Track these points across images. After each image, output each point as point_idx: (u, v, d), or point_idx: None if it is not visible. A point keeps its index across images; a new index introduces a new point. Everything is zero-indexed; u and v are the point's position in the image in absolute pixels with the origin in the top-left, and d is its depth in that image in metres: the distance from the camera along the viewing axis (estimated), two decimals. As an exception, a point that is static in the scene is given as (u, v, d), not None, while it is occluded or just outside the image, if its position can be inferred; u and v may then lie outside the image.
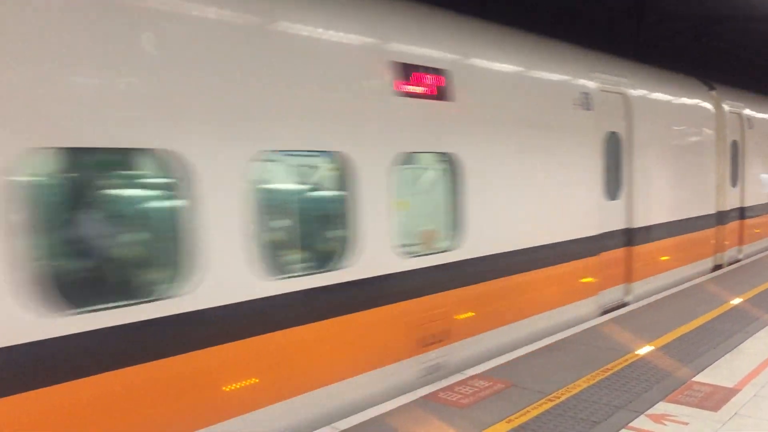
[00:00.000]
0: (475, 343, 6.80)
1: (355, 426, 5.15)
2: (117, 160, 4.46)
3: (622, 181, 9.47)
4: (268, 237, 5.04)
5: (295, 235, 5.70)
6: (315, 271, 5.35)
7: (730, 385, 6.04)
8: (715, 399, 5.71)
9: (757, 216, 14.68)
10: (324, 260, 5.50)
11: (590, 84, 8.69)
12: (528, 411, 5.49)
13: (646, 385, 6.05)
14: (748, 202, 14.13)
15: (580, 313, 8.50)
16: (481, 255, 6.81)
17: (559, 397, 5.79)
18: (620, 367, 6.59)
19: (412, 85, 6.07)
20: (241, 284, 4.75)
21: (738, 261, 13.70)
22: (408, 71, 6.03)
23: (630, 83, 9.70)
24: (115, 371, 4.08)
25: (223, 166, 4.66)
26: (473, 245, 6.68)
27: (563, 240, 8.15)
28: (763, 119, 15.19)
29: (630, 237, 9.63)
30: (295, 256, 5.52)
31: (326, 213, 5.82)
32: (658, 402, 5.65)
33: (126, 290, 4.33)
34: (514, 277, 7.29)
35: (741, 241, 14.00)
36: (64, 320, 3.87)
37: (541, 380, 6.20)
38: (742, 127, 13.76)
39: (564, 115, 8.23)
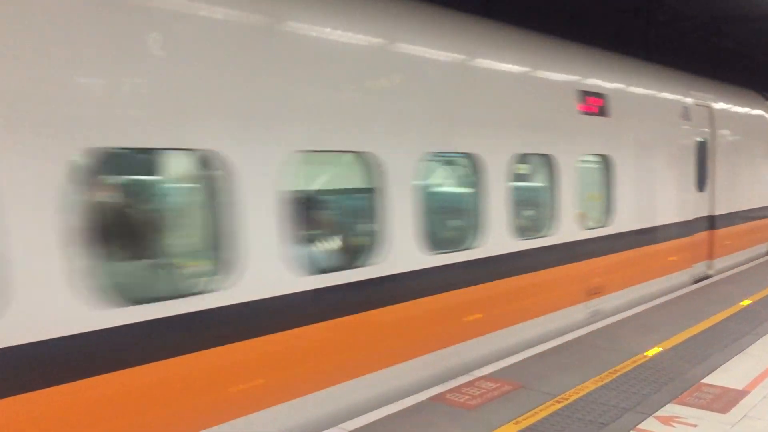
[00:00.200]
0: (620, 297, 9.17)
1: (363, 427, 5.16)
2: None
3: (707, 177, 11.80)
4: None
5: (536, 213, 7.94)
6: (535, 237, 7.62)
7: (739, 386, 6.02)
8: (724, 401, 5.68)
9: None
10: (541, 228, 7.83)
11: (688, 100, 11.12)
12: (536, 412, 5.48)
13: (654, 387, 6.03)
14: None
15: (682, 279, 11.01)
16: (624, 231, 9.16)
17: (567, 399, 5.78)
18: (629, 368, 6.57)
19: (587, 106, 8.46)
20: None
21: None
22: (584, 96, 8.43)
23: (713, 98, 12.06)
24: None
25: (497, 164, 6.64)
26: (619, 224, 9.03)
27: (672, 222, 10.61)
28: None
29: (712, 222, 12.06)
30: (539, 226, 7.80)
31: (542, 199, 7.95)
32: (666, 404, 5.63)
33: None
34: (643, 248, 9.76)
35: None
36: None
37: (549, 382, 6.19)
38: None
39: (675, 126, 10.74)
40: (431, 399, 5.75)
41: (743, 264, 13.17)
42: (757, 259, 14.03)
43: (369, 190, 5.64)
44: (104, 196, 4.43)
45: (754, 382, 6.11)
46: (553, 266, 7.84)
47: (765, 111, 14.94)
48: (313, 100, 5.21)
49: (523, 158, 7.54)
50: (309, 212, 5.46)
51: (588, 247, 8.40)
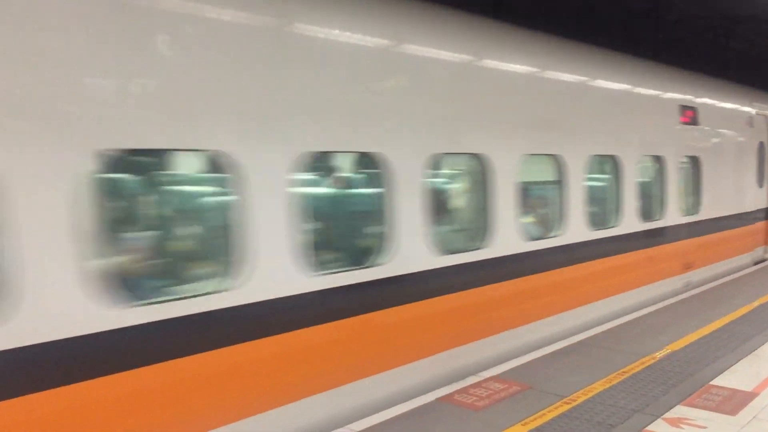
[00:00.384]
0: (705, 272, 11.43)
1: (371, 427, 5.17)
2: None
3: (765, 175, 13.92)
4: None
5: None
6: (653, 220, 9.88)
7: (748, 388, 5.99)
8: (733, 403, 5.66)
9: None
10: (656, 214, 9.96)
11: (752, 110, 13.29)
12: (544, 414, 5.47)
13: (663, 389, 6.01)
14: None
15: (745, 262, 13.19)
16: (707, 219, 11.34)
17: (575, 400, 5.77)
18: (637, 369, 6.56)
19: (684, 117, 10.68)
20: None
21: None
22: (684, 109, 10.68)
23: None
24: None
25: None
26: (703, 213, 11.24)
27: (740, 212, 12.79)
28: None
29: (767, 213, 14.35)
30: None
31: (656, 191, 10.01)
32: (675, 405, 5.61)
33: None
34: (720, 233, 11.92)
35: None
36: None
37: (557, 383, 6.18)
38: None
39: (744, 131, 12.91)
40: (439, 400, 5.76)
41: None
42: None
43: (555, 183, 7.91)
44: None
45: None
46: (665, 243, 10.17)
47: None
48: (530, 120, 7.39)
49: (646, 159, 9.80)
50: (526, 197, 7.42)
51: (684, 231, 10.69)
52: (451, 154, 6.52)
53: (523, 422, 5.30)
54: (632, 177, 9.16)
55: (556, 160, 7.77)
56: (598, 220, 8.55)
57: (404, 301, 5.89)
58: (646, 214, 9.60)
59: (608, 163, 8.94)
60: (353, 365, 5.48)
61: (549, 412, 5.51)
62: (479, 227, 6.74)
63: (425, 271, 6.03)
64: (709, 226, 11.40)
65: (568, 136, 8.01)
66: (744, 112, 13.00)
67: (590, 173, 8.34)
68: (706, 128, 11.31)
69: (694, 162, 10.97)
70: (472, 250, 6.60)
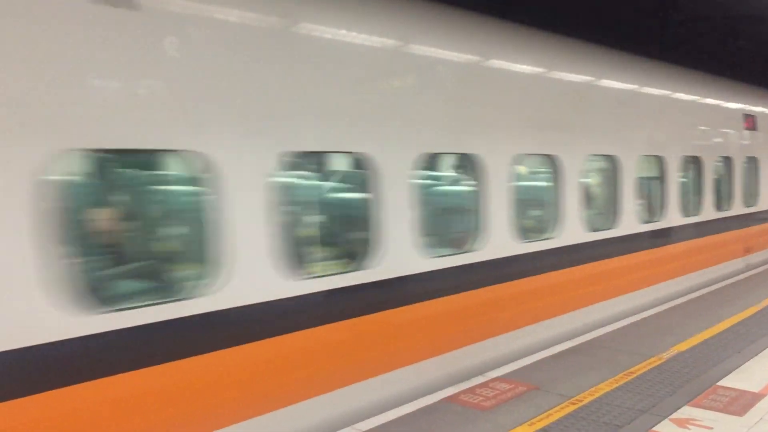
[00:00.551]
0: (758, 257, 13.48)
1: (377, 427, 5.17)
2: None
3: None
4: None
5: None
6: (725, 210, 11.89)
7: (755, 389, 5.97)
8: (740, 403, 5.65)
9: None
10: (726, 205, 11.94)
11: None
12: (550, 414, 5.47)
13: (670, 389, 6.00)
14: None
15: None
16: (760, 210, 13.44)
17: (581, 401, 5.76)
18: (644, 370, 6.54)
19: (746, 123, 12.82)
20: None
21: None
22: (747, 117, 12.84)
23: None
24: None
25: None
26: (758, 205, 13.30)
27: None
28: None
29: None
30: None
31: (725, 187, 11.96)
32: (682, 406, 5.60)
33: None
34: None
35: None
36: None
37: (563, 383, 6.18)
38: None
39: None
40: (445, 400, 5.76)
41: None
42: None
43: (658, 178, 9.89)
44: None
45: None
46: (733, 230, 12.24)
47: None
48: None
49: (720, 160, 11.72)
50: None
51: (745, 220, 12.76)
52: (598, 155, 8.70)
53: (529, 422, 5.30)
54: (710, 175, 11.25)
55: (660, 161, 9.83)
56: (687, 209, 10.64)
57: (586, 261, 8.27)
58: (719, 205, 11.70)
59: (693, 163, 10.91)
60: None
61: (555, 412, 5.51)
62: (612, 211, 8.94)
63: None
64: (760, 216, 13.58)
65: (671, 142, 10.19)
66: None
67: (682, 172, 10.44)
68: (762, 132, 13.57)
69: (754, 162, 13.18)
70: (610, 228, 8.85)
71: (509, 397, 5.83)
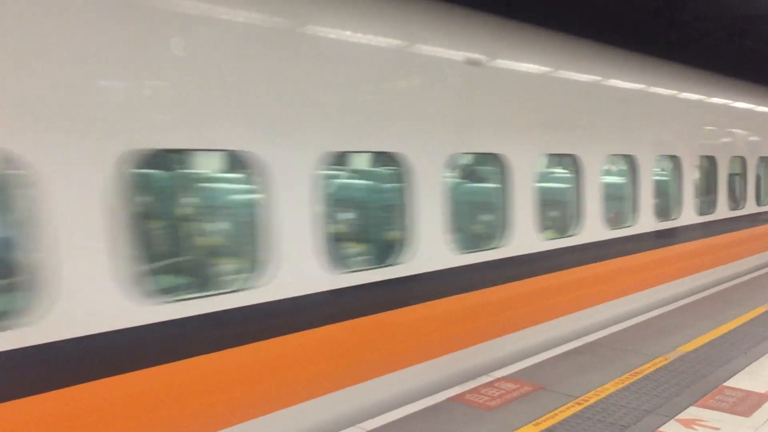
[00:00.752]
0: None
1: (382, 427, 5.17)
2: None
3: None
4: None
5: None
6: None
7: (762, 390, 5.95)
8: (746, 404, 5.63)
9: None
10: (737, 203, 12.45)
11: None
12: (556, 414, 5.46)
13: (676, 390, 5.99)
14: None
15: None
16: None
17: (587, 401, 5.75)
18: (650, 370, 6.53)
19: None
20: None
21: None
22: None
23: None
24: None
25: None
26: None
27: None
28: None
29: None
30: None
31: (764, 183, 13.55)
32: (688, 406, 5.59)
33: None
34: None
35: None
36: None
37: (569, 383, 6.17)
38: None
39: None
40: (450, 399, 5.76)
41: None
42: None
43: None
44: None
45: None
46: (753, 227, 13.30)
47: None
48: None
49: (762, 160, 13.12)
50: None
51: None
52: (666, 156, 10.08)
53: (535, 422, 5.29)
54: (754, 172, 12.74)
55: (714, 160, 11.23)
56: (736, 203, 12.16)
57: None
58: (760, 201, 13.27)
59: (739, 162, 12.26)
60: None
61: (561, 412, 5.50)
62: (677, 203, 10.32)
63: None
64: None
65: (725, 144, 11.79)
66: None
67: (731, 170, 11.76)
68: None
69: None
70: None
71: (514, 397, 5.82)
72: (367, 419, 5.34)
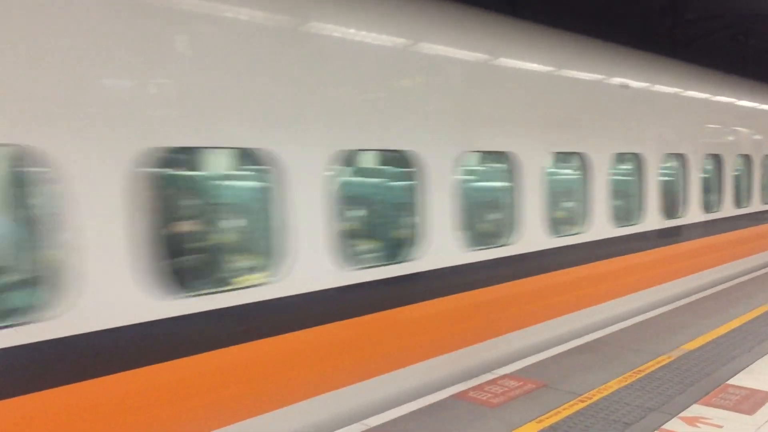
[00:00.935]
0: None
1: (385, 423, 5.18)
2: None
3: None
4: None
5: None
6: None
7: (765, 388, 5.94)
8: (750, 402, 5.63)
9: None
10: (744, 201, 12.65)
11: None
12: (559, 411, 5.46)
13: (679, 388, 5.98)
14: None
15: None
16: None
17: (590, 398, 5.75)
18: (653, 368, 6.53)
19: None
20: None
21: None
22: None
23: None
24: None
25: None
26: None
27: None
28: None
29: None
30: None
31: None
32: (691, 404, 5.59)
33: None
34: None
35: None
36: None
37: (572, 381, 6.17)
38: None
39: None
40: (453, 396, 5.76)
41: None
42: None
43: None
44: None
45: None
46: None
47: None
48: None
49: None
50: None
51: None
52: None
53: (538, 419, 5.29)
54: (759, 170, 13.02)
55: (749, 159, 12.31)
56: (742, 201, 12.35)
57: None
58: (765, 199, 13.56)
59: (745, 160, 12.70)
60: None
61: (564, 409, 5.50)
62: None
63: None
64: None
65: (758, 143, 12.88)
66: None
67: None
68: None
69: None
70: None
71: (518, 395, 5.83)
72: (370, 416, 5.35)
